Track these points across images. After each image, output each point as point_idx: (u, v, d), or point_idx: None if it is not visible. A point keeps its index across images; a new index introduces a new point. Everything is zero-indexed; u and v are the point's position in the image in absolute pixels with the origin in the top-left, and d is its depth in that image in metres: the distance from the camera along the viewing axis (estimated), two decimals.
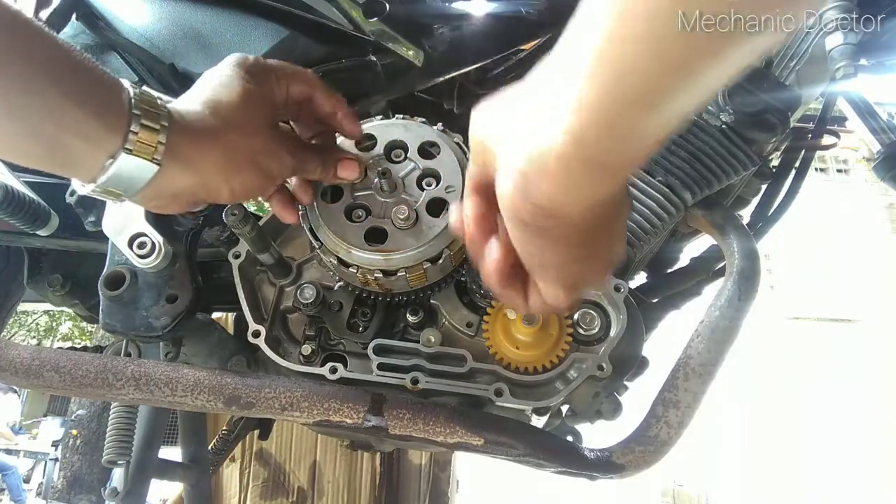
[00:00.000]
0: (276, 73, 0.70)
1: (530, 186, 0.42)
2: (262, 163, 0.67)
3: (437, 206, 0.77)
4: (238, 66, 0.67)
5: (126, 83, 0.58)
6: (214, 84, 0.65)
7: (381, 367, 0.82)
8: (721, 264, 1.12)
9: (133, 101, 0.57)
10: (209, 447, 1.71)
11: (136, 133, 0.56)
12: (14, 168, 0.98)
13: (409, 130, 0.82)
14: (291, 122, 0.77)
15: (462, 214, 0.56)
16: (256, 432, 1.95)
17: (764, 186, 1.10)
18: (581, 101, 0.38)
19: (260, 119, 0.66)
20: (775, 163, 1.15)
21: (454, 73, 0.97)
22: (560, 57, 0.40)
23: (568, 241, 0.47)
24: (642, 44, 0.35)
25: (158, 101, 0.59)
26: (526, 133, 0.42)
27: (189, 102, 0.63)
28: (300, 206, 0.78)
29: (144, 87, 0.59)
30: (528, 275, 0.54)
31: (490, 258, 0.54)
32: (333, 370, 0.82)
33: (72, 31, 1.02)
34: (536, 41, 1.01)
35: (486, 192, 0.52)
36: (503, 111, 0.46)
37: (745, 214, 1.15)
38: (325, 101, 0.74)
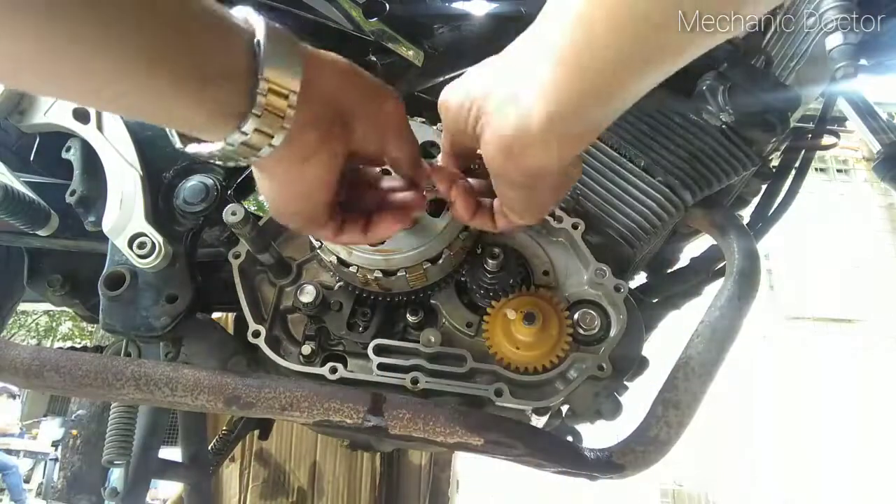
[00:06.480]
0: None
1: (516, 155, 0.51)
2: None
3: (438, 207, 0.77)
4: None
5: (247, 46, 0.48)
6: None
7: (381, 367, 0.82)
8: (721, 264, 1.12)
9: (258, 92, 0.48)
10: (209, 447, 1.71)
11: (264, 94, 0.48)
12: (14, 168, 0.98)
13: None
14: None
15: (442, 169, 0.66)
16: (256, 432, 1.96)
17: (764, 186, 1.10)
18: (557, 87, 0.46)
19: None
20: (775, 163, 1.15)
21: (454, 73, 0.97)
22: (537, 39, 0.48)
23: (551, 187, 0.58)
24: (608, 45, 0.42)
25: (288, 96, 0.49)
26: (508, 111, 0.50)
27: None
28: None
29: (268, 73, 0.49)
30: (489, 205, 0.65)
31: (461, 200, 0.64)
32: (333, 370, 0.82)
33: None
34: None
35: (462, 153, 0.64)
36: (481, 86, 0.53)
37: (745, 214, 1.15)
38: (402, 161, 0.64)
